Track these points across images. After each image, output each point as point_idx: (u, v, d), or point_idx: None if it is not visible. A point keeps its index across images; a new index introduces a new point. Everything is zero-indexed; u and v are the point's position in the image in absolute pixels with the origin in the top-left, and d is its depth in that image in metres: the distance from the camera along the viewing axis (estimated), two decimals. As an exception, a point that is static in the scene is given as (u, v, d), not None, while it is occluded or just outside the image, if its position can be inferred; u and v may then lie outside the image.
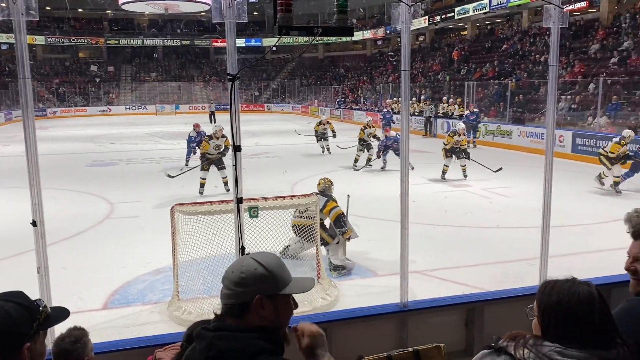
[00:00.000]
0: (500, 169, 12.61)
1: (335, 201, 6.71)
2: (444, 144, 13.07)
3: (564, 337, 1.43)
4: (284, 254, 6.53)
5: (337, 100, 38.15)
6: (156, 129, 28.82)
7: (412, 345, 2.88)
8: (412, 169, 13.17)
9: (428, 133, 23.96)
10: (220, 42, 48.26)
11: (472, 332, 3.77)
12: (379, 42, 45.55)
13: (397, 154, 13.83)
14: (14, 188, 10.81)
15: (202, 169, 11.37)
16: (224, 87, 45.70)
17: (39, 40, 44.86)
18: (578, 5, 25.05)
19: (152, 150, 19.45)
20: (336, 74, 46.94)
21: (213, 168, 11.40)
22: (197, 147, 13.93)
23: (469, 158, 12.85)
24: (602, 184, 11.33)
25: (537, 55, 25.01)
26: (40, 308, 1.61)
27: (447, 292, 5.28)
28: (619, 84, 19.00)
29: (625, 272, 1.99)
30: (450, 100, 25.22)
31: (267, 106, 47.44)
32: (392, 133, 14.38)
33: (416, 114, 25.21)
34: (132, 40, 49.51)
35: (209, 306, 5.25)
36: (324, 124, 17.99)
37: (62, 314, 1.73)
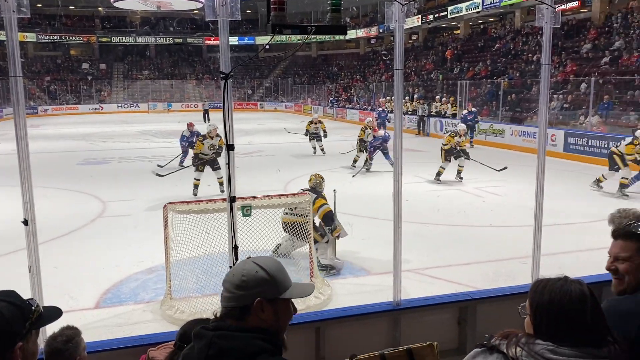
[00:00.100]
0: (505, 167, 12.43)
1: (325, 198, 6.67)
2: (442, 144, 12.60)
3: (556, 335, 1.44)
4: (276, 253, 6.50)
5: (330, 98, 38.16)
6: (148, 127, 28.71)
7: (405, 343, 2.88)
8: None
9: (421, 132, 24.01)
10: (213, 40, 48.15)
11: (464, 331, 3.78)
12: (372, 41, 45.61)
13: (385, 154, 13.72)
14: (5, 186, 10.73)
15: (197, 169, 11.02)
16: (216, 85, 45.63)
17: (30, 37, 44.55)
18: (570, 5, 25.18)
19: (145, 149, 19.36)
20: (329, 72, 46.94)
21: (207, 169, 11.08)
22: (188, 148, 13.78)
23: (469, 158, 12.54)
24: (600, 187, 11.15)
25: (529, 55, 25.12)
26: (33, 307, 1.60)
27: (440, 290, 5.30)
28: (611, 84, 19.12)
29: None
30: (443, 99, 25.28)
31: (260, 104, 47.36)
32: (381, 132, 14.08)
33: (409, 112, 25.25)
34: (124, 38, 49.26)
35: (202, 305, 5.25)
36: (316, 123, 17.52)
37: (54, 313, 1.72)
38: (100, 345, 3.15)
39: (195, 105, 44.59)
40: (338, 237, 6.60)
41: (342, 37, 38.71)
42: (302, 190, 6.86)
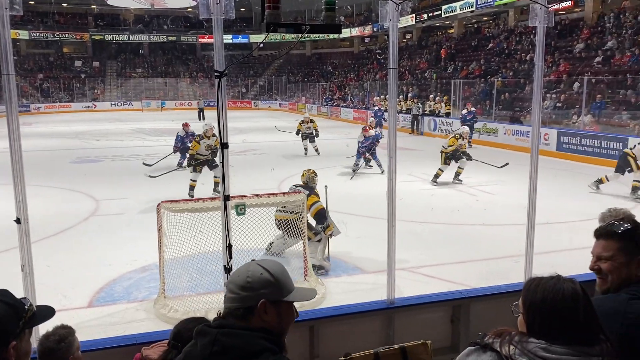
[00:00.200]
0: (507, 164, 12.24)
1: (318, 195, 6.60)
2: (444, 147, 12.12)
3: (549, 333, 1.45)
4: (269, 251, 6.45)
5: (325, 97, 38.16)
6: (142, 126, 28.61)
7: (399, 342, 2.90)
8: (383, 172, 12.88)
9: (415, 131, 24.04)
10: (207, 38, 48.03)
11: (457, 329, 3.80)
12: (367, 40, 45.63)
13: (373, 154, 13.46)
14: (-3, 185, 10.67)
15: (195, 170, 10.67)
16: (210, 83, 45.53)
17: (23, 35, 44.27)
18: (563, 4, 25.29)
19: (138, 147, 19.29)
20: (323, 71, 46.94)
21: (204, 170, 10.78)
22: (181, 148, 13.65)
23: (470, 159, 12.15)
24: (598, 188, 10.98)
25: (522, 54, 25.22)
26: (26, 306, 1.60)
27: (434, 289, 5.30)
28: (603, 83, 19.22)
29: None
30: (437, 98, 25.33)
31: (254, 103, 47.31)
32: (372, 132, 13.74)
33: (403, 111, 25.29)
34: (117, 36, 49.06)
35: (196, 304, 5.24)
36: (308, 122, 16.87)
37: (47, 312, 1.71)
38: (93, 344, 3.15)
39: (189, 104, 44.49)
40: (331, 235, 6.55)
41: (336, 35, 38.72)
42: (295, 186, 6.80)
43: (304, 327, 3.46)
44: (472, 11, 30.50)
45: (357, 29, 43.34)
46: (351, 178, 12.87)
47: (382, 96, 29.20)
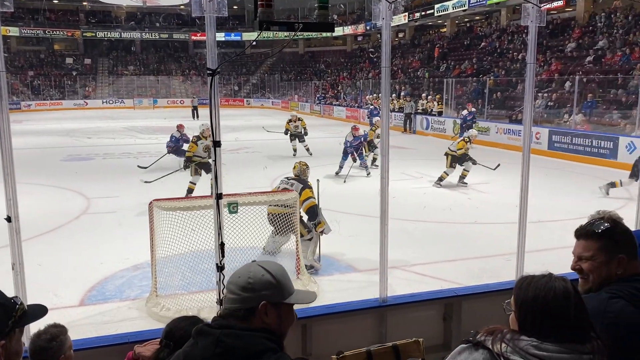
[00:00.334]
0: (499, 165, 12.16)
1: (311, 189, 6.49)
2: (452, 149, 11.73)
3: (541, 331, 1.46)
4: (265, 251, 6.42)
5: (318, 95, 38.14)
6: (134, 124, 28.49)
7: (391, 340, 2.90)
8: (369, 174, 12.77)
9: (408, 129, 24.09)
10: (200, 36, 47.82)
11: (450, 327, 3.81)
12: (359, 38, 45.63)
13: (360, 154, 13.12)
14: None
15: (196, 172, 10.18)
16: (202, 81, 45.36)
17: (13, 31, 43.87)
18: (555, 4, 25.41)
19: (130, 145, 19.21)
20: (316, 69, 46.90)
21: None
22: (172, 148, 13.57)
23: (475, 163, 11.79)
24: (608, 193, 10.59)
25: (515, 53, 25.32)
26: (17, 305, 1.59)
27: (426, 287, 5.32)
28: (594, 82, 19.34)
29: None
30: (430, 97, 25.39)
31: (247, 101, 47.21)
32: (361, 132, 13.35)
33: (396, 110, 25.34)
34: (109, 33, 48.77)
35: (188, 302, 5.23)
36: (295, 121, 16.22)
37: (39, 311, 1.70)
38: (85, 343, 3.13)
39: (182, 102, 44.32)
40: (322, 232, 6.49)
41: (329, 34, 38.71)
42: (287, 178, 6.74)
43: (297, 326, 3.45)
44: (464, 10, 30.58)
45: (350, 27, 43.33)
46: (344, 182, 12.33)
47: (374, 95, 29.24)
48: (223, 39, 46.48)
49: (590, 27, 23.45)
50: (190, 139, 13.36)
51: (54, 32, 47.00)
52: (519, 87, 21.76)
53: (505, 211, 8.84)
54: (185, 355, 1.60)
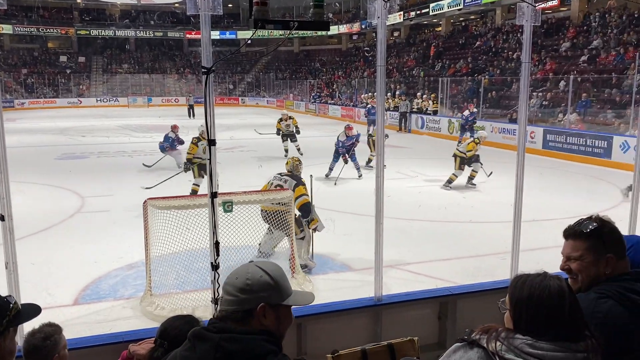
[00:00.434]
0: (491, 173, 11.92)
1: (305, 186, 6.42)
2: (461, 151, 11.49)
3: (535, 330, 1.46)
4: (260, 251, 6.36)
5: (313, 94, 38.11)
6: (128, 122, 28.41)
7: (386, 338, 2.90)
8: (360, 177, 12.41)
9: (403, 128, 24.11)
10: (195, 34, 47.74)
11: (445, 326, 3.82)
12: (355, 37, 45.63)
13: (352, 155, 12.58)
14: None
15: (200, 175, 9.88)
16: (197, 79, 45.28)
17: (6, 29, 43.69)
18: (550, 3, 25.48)
19: (124, 144, 19.16)
20: (311, 68, 46.88)
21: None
22: (167, 148, 13.53)
23: (481, 164, 11.63)
24: (628, 196, 10.68)
25: (509, 52, 25.38)
26: (11, 304, 1.58)
27: (421, 286, 5.34)
28: (589, 82, 19.41)
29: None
30: (425, 96, 25.42)
31: (242, 99, 47.15)
32: (355, 132, 12.79)
33: (391, 109, 25.36)
34: (103, 31, 48.57)
35: (182, 301, 5.22)
36: (286, 120, 15.73)
37: (32, 310, 1.69)
38: (79, 342, 3.12)
39: (176, 100, 44.23)
40: (315, 229, 6.44)
41: (324, 33, 38.69)
42: (280, 174, 6.72)
43: (292, 325, 3.45)
44: (459, 9, 30.63)
45: (345, 26, 43.33)
46: (335, 184, 11.94)
47: (370, 94, 29.25)
48: (218, 37, 46.36)
49: (585, 27, 23.53)
50: (183, 139, 13.47)
51: (48, 29, 46.76)
52: (513, 86, 21.81)
53: (500, 210, 8.86)
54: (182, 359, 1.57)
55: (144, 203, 5.29)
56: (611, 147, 14.37)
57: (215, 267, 2.98)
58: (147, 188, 10.73)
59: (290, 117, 16.02)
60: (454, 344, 1.59)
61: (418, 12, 34.11)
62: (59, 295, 5.66)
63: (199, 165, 9.93)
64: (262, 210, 6.11)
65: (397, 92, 28.68)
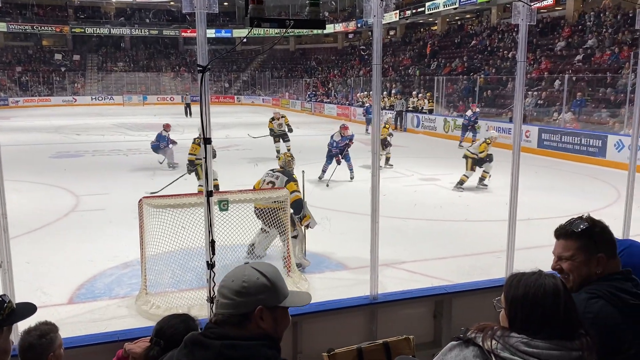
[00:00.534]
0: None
1: (296, 182, 6.39)
2: (472, 152, 11.36)
3: (531, 328, 1.47)
4: (251, 254, 6.30)
5: (308, 93, 38.10)
6: (123, 120, 28.31)
7: (382, 337, 2.91)
8: (352, 179, 12.13)
9: (398, 127, 24.12)
10: (190, 32, 47.63)
11: (440, 324, 3.82)
12: (350, 36, 45.63)
13: (346, 156, 12.26)
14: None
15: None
16: (192, 78, 45.16)
17: (1, 27, 43.52)
18: (545, 2, 25.54)
19: (119, 142, 19.10)
20: (307, 66, 46.85)
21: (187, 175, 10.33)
22: (164, 147, 13.50)
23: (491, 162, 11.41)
24: None
25: (505, 52, 25.44)
26: (5, 303, 1.57)
27: (417, 284, 5.35)
28: (584, 81, 19.47)
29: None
30: (420, 94, 25.44)
31: (238, 98, 47.07)
32: (350, 132, 12.42)
33: (387, 108, 25.37)
34: (98, 29, 48.39)
35: (178, 300, 5.21)
36: (278, 119, 15.36)
37: (27, 310, 1.69)
38: (74, 341, 3.10)
39: (172, 98, 44.13)
40: (308, 226, 6.39)
41: (320, 31, 38.63)
42: (272, 170, 6.68)
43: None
44: (455, 8, 30.67)
45: (341, 24, 43.31)
46: (327, 185, 11.73)
47: (365, 92, 29.25)
48: (214, 35, 46.28)
49: (580, 26, 23.60)
50: (175, 140, 13.46)
51: (43, 27, 46.55)
52: (509, 85, 21.87)
53: (495, 209, 8.89)
54: None
55: (139, 202, 5.28)
56: (606, 146, 14.43)
57: (211, 265, 2.97)
58: (152, 193, 10.39)
59: (282, 116, 15.75)
60: (450, 342, 1.59)
61: (414, 11, 34.14)
62: (54, 294, 5.64)
63: (202, 166, 9.76)
64: (255, 208, 6.04)
65: (393, 91, 28.70)
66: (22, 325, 2.34)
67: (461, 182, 11.25)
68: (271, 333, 1.54)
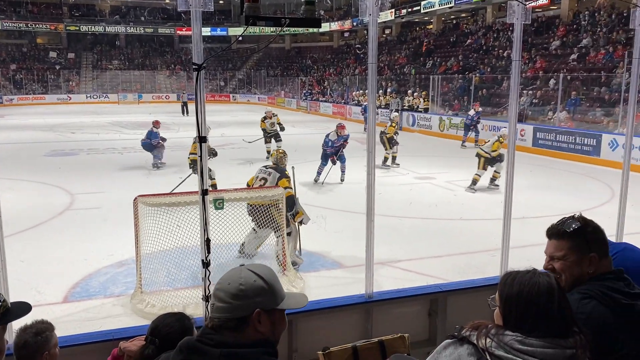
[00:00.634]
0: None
1: (288, 179, 6.37)
2: (485, 151, 11.18)
3: (525, 326, 1.47)
4: (242, 253, 6.27)
5: (304, 91, 38.07)
6: (118, 119, 28.22)
7: (377, 335, 2.91)
8: (342, 181, 11.76)
9: (394, 126, 24.11)
10: (185, 30, 47.49)
11: (435, 322, 3.83)
12: (346, 34, 45.63)
13: (341, 157, 12.01)
14: (-31, 178, 10.43)
15: (209, 176, 9.61)
16: (188, 76, 45.06)
17: (-5, 24, 43.26)
18: (540, 2, 25.61)
19: (114, 140, 19.05)
20: (303, 65, 46.82)
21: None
22: (158, 144, 13.44)
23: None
24: None
25: (500, 51, 25.49)
26: (0, 302, 1.57)
27: (412, 283, 5.36)
28: (578, 80, 19.54)
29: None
30: (416, 93, 25.46)
31: (233, 96, 47.01)
32: (346, 131, 12.18)
33: (382, 106, 25.38)
34: (93, 27, 48.20)
35: (173, 299, 5.20)
36: (270, 118, 15.10)
37: (22, 309, 1.68)
38: (69, 340, 3.09)
39: (167, 97, 44.02)
40: (301, 222, 6.36)
41: (316, 30, 38.60)
42: (265, 167, 6.66)
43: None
44: (450, 7, 30.73)
45: (336, 23, 43.30)
46: (322, 184, 11.50)
47: (361, 91, 29.26)
48: (209, 33, 46.18)
49: (575, 26, 23.67)
50: (165, 137, 13.40)
51: (37, 25, 46.34)
52: (504, 84, 21.91)
53: (490, 207, 8.92)
54: None
55: (134, 200, 5.27)
56: (600, 145, 14.49)
57: (206, 264, 2.97)
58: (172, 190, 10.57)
59: (274, 115, 15.48)
60: (445, 340, 1.60)
61: (409, 9, 34.18)
62: (49, 293, 5.62)
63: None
64: (247, 205, 5.97)
65: (389, 90, 28.71)
66: (17, 325, 2.33)
67: (474, 182, 11.06)
68: (269, 337, 1.51)
